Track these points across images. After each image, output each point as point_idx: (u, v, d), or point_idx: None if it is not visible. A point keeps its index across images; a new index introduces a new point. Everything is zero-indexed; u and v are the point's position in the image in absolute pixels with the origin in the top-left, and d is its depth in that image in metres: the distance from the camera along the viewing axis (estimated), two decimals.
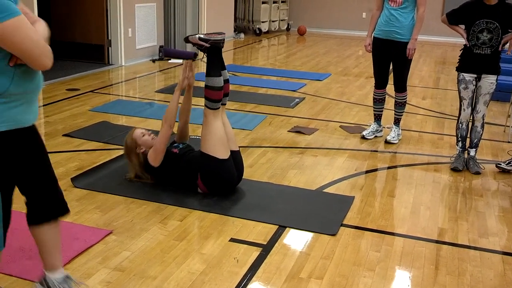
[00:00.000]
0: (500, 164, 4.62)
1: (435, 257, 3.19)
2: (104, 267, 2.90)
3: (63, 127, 5.22)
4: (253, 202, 3.79)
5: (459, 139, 4.67)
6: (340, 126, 5.68)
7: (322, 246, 3.22)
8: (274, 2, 13.38)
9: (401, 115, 5.30)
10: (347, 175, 4.38)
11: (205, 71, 3.87)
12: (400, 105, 5.26)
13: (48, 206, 2.42)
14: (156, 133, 4.00)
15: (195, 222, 3.46)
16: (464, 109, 4.58)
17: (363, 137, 5.30)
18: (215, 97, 3.78)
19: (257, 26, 13.02)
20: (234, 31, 12.56)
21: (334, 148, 5.03)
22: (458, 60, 4.59)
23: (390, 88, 5.40)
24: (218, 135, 3.77)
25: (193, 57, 9.24)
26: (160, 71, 8.39)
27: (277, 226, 3.44)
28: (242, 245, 3.19)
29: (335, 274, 2.94)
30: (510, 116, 5.70)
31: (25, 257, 2.93)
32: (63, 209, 2.48)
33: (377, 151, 5.01)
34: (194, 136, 4.79)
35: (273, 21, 13.52)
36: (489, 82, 4.45)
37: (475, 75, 4.46)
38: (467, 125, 4.65)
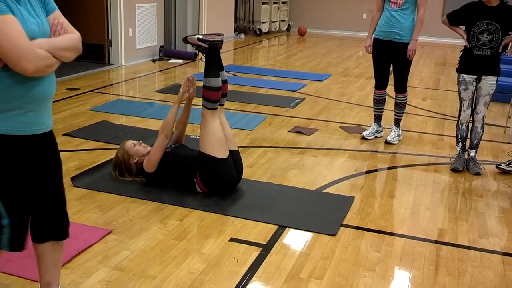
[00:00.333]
0: (500, 165, 4.62)
1: (435, 257, 3.19)
2: (103, 266, 2.90)
3: (63, 127, 5.22)
4: (253, 202, 3.79)
5: (459, 140, 4.67)
6: (340, 127, 5.68)
7: (322, 246, 3.22)
8: (274, 3, 13.38)
9: (401, 116, 5.30)
10: (347, 176, 4.37)
11: (203, 71, 3.88)
12: (400, 106, 5.26)
13: (54, 225, 2.34)
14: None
15: (195, 222, 3.46)
16: (464, 110, 4.58)
17: (363, 138, 5.30)
18: (213, 97, 3.79)
19: (258, 27, 13.02)
20: (235, 31, 12.56)
21: (334, 148, 5.02)
22: (458, 61, 4.59)
23: (390, 88, 5.40)
24: (216, 135, 3.77)
25: (193, 57, 9.26)
26: (160, 71, 8.39)
27: (277, 226, 3.44)
28: (242, 245, 3.19)
29: (335, 274, 2.94)
30: (510, 117, 5.69)
31: (25, 256, 2.92)
32: (66, 232, 2.40)
33: (377, 151, 5.01)
34: (194, 136, 4.79)
35: (273, 22, 13.52)
36: (489, 83, 4.45)
37: (475, 76, 4.46)
38: (467, 126, 4.65)
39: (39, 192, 2.25)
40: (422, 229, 3.54)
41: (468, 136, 4.68)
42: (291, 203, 3.80)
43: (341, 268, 3.01)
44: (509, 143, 5.42)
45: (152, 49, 9.18)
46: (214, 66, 3.82)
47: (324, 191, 4.06)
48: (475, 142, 4.64)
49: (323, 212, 3.68)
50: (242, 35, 12.61)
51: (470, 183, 4.37)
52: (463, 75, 4.50)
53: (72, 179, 3.95)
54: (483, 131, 4.64)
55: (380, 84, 5.27)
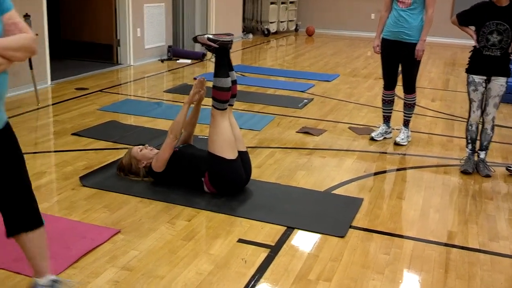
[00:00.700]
0: (511, 167, 4.58)
1: (444, 260, 3.16)
2: (111, 266, 2.89)
3: (72, 126, 5.23)
4: (261, 202, 3.78)
5: (469, 141, 4.63)
6: (349, 127, 5.66)
7: (330, 248, 3.20)
8: (282, 3, 13.36)
9: (410, 117, 5.27)
10: (356, 177, 4.35)
11: (213, 71, 3.87)
12: (409, 107, 5.23)
13: (21, 217, 2.35)
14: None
15: (203, 222, 3.45)
16: (473, 111, 4.54)
17: (372, 139, 5.27)
18: (223, 97, 3.78)
19: (266, 27, 13.00)
20: (243, 31, 12.54)
21: (343, 149, 5.00)
22: (467, 62, 4.56)
23: (399, 89, 5.37)
24: (225, 136, 3.76)
25: (201, 57, 9.25)
26: (169, 71, 8.39)
27: (285, 227, 3.42)
28: (250, 246, 3.18)
29: (344, 276, 2.92)
30: None
31: None
32: (37, 221, 2.40)
33: (386, 152, 4.99)
34: (202, 136, 4.78)
35: (281, 22, 13.50)
36: (499, 84, 4.41)
37: (485, 77, 4.43)
38: (477, 127, 4.61)
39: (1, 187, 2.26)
40: (431, 231, 3.51)
41: (478, 138, 4.65)
42: (299, 204, 3.78)
43: (350, 270, 2.99)
44: None
45: (161, 49, 9.18)
46: (224, 66, 3.81)
47: (332, 192, 4.04)
48: (485, 143, 4.60)
49: (331, 214, 3.66)
50: (250, 35, 12.60)
51: (480, 185, 4.34)
52: (472, 75, 4.47)
53: (81, 178, 3.96)
54: (493, 132, 4.60)
55: (389, 85, 5.25)
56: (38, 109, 5.82)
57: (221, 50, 3.81)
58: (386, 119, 5.35)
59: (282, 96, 6.97)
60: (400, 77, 5.26)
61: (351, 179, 4.31)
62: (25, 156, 4.26)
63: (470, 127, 4.61)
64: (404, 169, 4.62)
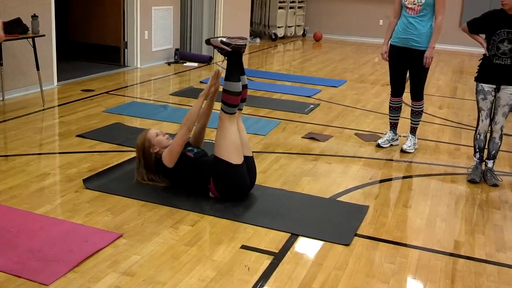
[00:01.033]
0: None
1: (451, 271, 3.11)
2: (113, 271, 2.86)
3: (77, 128, 5.21)
4: (265, 208, 3.74)
5: (477, 150, 4.58)
6: (355, 134, 5.62)
7: (335, 256, 3.16)
8: (290, 8, 13.35)
9: (418, 124, 5.22)
10: (362, 184, 4.31)
11: (224, 75, 3.83)
12: (416, 114, 5.18)
13: None
14: (171, 136, 3.98)
15: (207, 228, 3.41)
16: (482, 120, 4.50)
17: (378, 146, 5.23)
18: (233, 102, 3.74)
19: (273, 31, 12.99)
20: (250, 35, 12.52)
21: (349, 156, 4.96)
22: (477, 70, 4.51)
23: (406, 96, 5.32)
24: (232, 140, 3.73)
25: (208, 60, 9.24)
26: (175, 74, 8.38)
27: (290, 234, 3.38)
28: (253, 252, 3.14)
29: (348, 285, 2.88)
30: None
31: (34, 259, 2.90)
32: None
33: (392, 160, 4.94)
34: (208, 140, 4.75)
35: (289, 27, 13.48)
36: (508, 93, 4.36)
37: (494, 86, 4.38)
38: (485, 136, 4.56)
39: None
40: (437, 240, 3.46)
41: (486, 147, 4.60)
42: (304, 211, 3.74)
43: (355, 279, 2.94)
44: None
45: (168, 52, 9.17)
46: (235, 70, 3.78)
47: (337, 199, 4.00)
48: (493, 152, 4.55)
49: (336, 221, 3.61)
50: (258, 40, 12.58)
51: (487, 195, 4.29)
52: (481, 84, 4.42)
53: (84, 181, 3.93)
54: (501, 141, 4.55)
55: (396, 92, 5.20)
56: (43, 110, 5.81)
57: (234, 54, 3.77)
58: (393, 126, 5.30)
59: (289, 101, 6.93)
60: (407, 84, 5.22)
61: (357, 186, 4.27)
62: (29, 157, 4.28)
63: (478, 136, 4.56)
64: (411, 177, 4.57)
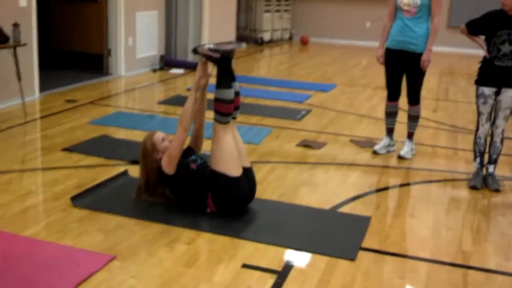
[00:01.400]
0: None
1: (462, 284, 2.97)
2: None
3: (62, 141, 4.99)
4: (264, 223, 3.57)
5: (477, 155, 4.45)
6: (350, 140, 5.47)
7: (341, 272, 3.00)
8: (276, 11, 13.21)
9: (415, 129, 5.09)
10: (362, 193, 4.16)
11: (215, 82, 3.65)
12: (413, 119, 5.04)
13: None
14: None
15: (205, 246, 3.23)
16: (482, 124, 4.37)
17: (375, 152, 5.08)
18: (226, 110, 3.56)
19: (260, 36, 12.84)
20: (236, 40, 12.35)
21: (346, 163, 4.81)
22: (477, 73, 4.39)
23: (401, 101, 5.19)
24: (229, 151, 3.55)
25: (194, 67, 9.04)
26: (161, 81, 8.18)
27: (292, 250, 3.21)
28: (255, 271, 2.96)
29: None
30: None
31: (23, 287, 2.69)
32: None
33: (390, 167, 4.80)
34: (204, 152, 4.56)
35: (275, 31, 13.34)
36: (509, 96, 4.24)
37: (495, 89, 4.26)
38: (485, 140, 4.44)
39: None
40: (445, 252, 3.32)
41: (486, 151, 4.47)
42: (304, 224, 3.57)
43: None
44: None
45: (153, 59, 8.96)
46: (226, 77, 3.60)
47: (338, 210, 3.84)
48: (494, 157, 4.43)
49: (339, 234, 3.45)
50: (244, 44, 12.41)
51: (490, 200, 4.16)
52: (482, 87, 4.30)
53: (72, 198, 3.72)
54: (502, 145, 4.43)
55: (393, 95, 5.06)
56: (25, 123, 5.58)
57: (223, 59, 3.60)
58: (390, 132, 5.16)
59: (279, 107, 6.77)
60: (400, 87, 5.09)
61: (357, 195, 4.11)
62: (12, 174, 4.05)
63: (478, 139, 4.43)
64: (411, 184, 4.43)
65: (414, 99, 4.98)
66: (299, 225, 3.55)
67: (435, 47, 4.94)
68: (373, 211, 3.84)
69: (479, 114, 4.38)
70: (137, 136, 5.27)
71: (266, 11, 12.87)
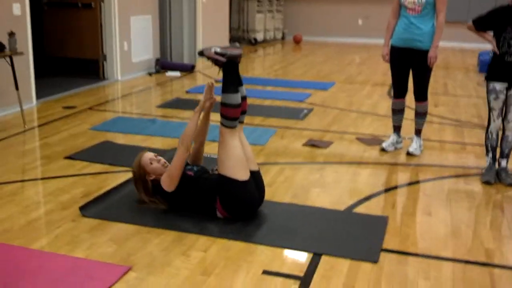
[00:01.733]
0: None
1: (489, 282, 2.89)
2: None
3: (64, 149, 4.87)
4: (279, 226, 3.47)
5: (489, 149, 4.38)
6: (357, 138, 5.39)
7: (366, 276, 2.91)
8: (268, 11, 13.13)
9: (422, 126, 5.02)
10: (375, 192, 4.07)
11: (221, 87, 3.55)
12: (421, 115, 4.97)
13: None
14: (161, 152, 3.68)
15: (221, 253, 3.13)
16: (494, 120, 4.30)
17: (382, 150, 5.00)
18: (232, 115, 3.47)
19: (253, 36, 12.75)
20: (229, 41, 12.26)
21: (355, 162, 4.73)
22: (487, 69, 4.32)
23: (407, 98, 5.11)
24: (236, 156, 3.45)
25: (190, 69, 8.95)
26: (158, 84, 8.06)
27: (312, 254, 3.12)
28: (277, 278, 2.87)
29: None
30: None
31: None
32: None
33: (400, 164, 4.72)
34: (207, 154, 4.47)
35: (268, 30, 13.26)
36: None
37: (507, 84, 4.19)
38: (497, 135, 4.37)
39: None
40: (468, 250, 3.24)
41: (498, 145, 4.41)
42: (321, 227, 3.48)
43: None
44: None
45: (148, 62, 8.85)
46: (233, 81, 3.51)
47: (353, 211, 3.75)
48: (506, 151, 4.36)
49: (358, 236, 3.36)
50: (237, 44, 12.28)
51: (504, 195, 4.09)
52: (493, 83, 4.22)
53: (81, 208, 3.61)
54: None
55: (399, 93, 4.98)
56: (24, 131, 5.45)
57: (230, 64, 3.50)
58: (397, 129, 5.08)
59: (281, 107, 6.68)
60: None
61: (370, 195, 4.03)
62: (15, 185, 3.94)
63: (490, 135, 4.36)
64: (424, 181, 4.35)
65: (421, 95, 4.91)
66: (316, 228, 3.46)
67: None
68: (389, 211, 3.76)
69: (490, 109, 4.31)
70: (140, 141, 5.17)
71: (258, 11, 12.79)
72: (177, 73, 8.76)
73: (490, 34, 4.29)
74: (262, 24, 12.99)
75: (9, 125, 5.63)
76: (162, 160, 3.68)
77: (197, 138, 3.75)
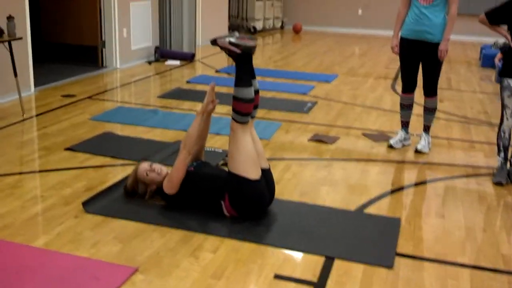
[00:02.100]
0: None
1: None
2: None
3: (64, 140, 4.74)
4: (290, 227, 3.36)
5: (501, 149, 4.28)
6: (363, 134, 5.28)
7: (381, 282, 2.81)
8: (268, 0, 12.95)
9: (431, 122, 4.91)
10: (385, 192, 3.97)
11: (233, 79, 3.43)
12: (430, 111, 4.87)
13: None
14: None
15: (231, 254, 3.02)
16: (507, 118, 4.19)
17: (390, 147, 4.90)
18: (245, 110, 3.35)
19: (252, 24, 12.57)
20: (228, 29, 12.08)
21: (362, 159, 4.62)
22: (501, 64, 4.21)
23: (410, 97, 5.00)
24: (248, 153, 3.34)
25: (190, 58, 8.79)
26: (158, 74, 7.91)
27: (324, 257, 3.02)
28: (290, 283, 2.77)
29: None
30: None
31: None
32: None
33: (409, 161, 4.62)
34: (210, 148, 4.36)
35: (267, 19, 13.09)
36: None
37: None
38: (510, 134, 4.27)
39: None
40: (484, 256, 3.14)
41: (511, 144, 4.31)
42: (332, 228, 3.38)
43: None
44: None
45: (148, 50, 8.69)
46: (246, 74, 3.39)
47: (364, 211, 3.65)
48: None
49: (370, 238, 3.26)
50: (236, 33, 12.12)
51: None
52: (508, 80, 4.12)
53: (84, 204, 3.48)
54: None
55: (408, 87, 4.87)
56: (23, 120, 5.30)
57: (244, 56, 3.37)
58: (405, 125, 4.98)
59: (285, 99, 6.55)
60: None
61: (380, 195, 3.92)
62: (16, 177, 3.80)
63: (502, 133, 4.26)
64: (434, 180, 4.25)
65: (430, 90, 4.80)
66: (327, 229, 3.35)
67: None
68: (400, 211, 3.66)
69: (503, 107, 4.21)
70: (142, 132, 5.05)
71: None
72: (176, 62, 8.60)
73: (504, 28, 4.18)
74: (262, 12, 12.81)
75: (7, 113, 5.48)
76: (157, 167, 3.56)
77: (197, 141, 3.59)
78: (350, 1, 13.50)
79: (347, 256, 3.04)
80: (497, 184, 4.18)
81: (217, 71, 8.13)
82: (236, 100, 3.36)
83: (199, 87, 6.97)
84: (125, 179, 3.84)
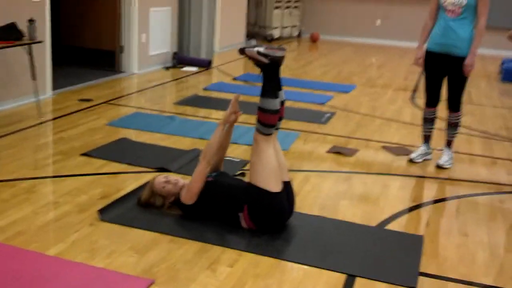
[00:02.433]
0: None
1: None
2: None
3: (81, 145, 4.69)
4: (309, 241, 3.28)
5: None
6: (383, 147, 5.18)
7: None
8: (286, 8, 12.90)
9: (454, 137, 4.81)
10: (406, 208, 3.88)
11: (260, 90, 3.35)
12: (453, 126, 4.76)
13: None
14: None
15: (249, 269, 2.94)
16: None
17: (411, 161, 4.80)
18: (270, 121, 3.28)
19: (269, 32, 12.52)
20: (246, 36, 12.05)
21: (383, 173, 4.52)
22: None
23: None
24: (270, 165, 3.26)
25: (207, 65, 8.75)
26: (175, 80, 7.86)
27: (345, 275, 2.93)
28: None
29: None
30: None
31: None
32: None
33: (431, 177, 4.51)
34: (227, 157, 4.28)
35: (284, 28, 13.03)
36: None
37: None
38: None
39: None
40: (510, 278, 3.04)
41: None
42: (353, 244, 3.29)
43: None
44: None
45: (165, 56, 8.65)
46: (273, 85, 3.31)
47: (386, 228, 3.55)
48: None
49: (392, 256, 3.17)
50: (254, 41, 12.08)
51: None
52: None
53: (100, 212, 3.42)
54: None
55: (432, 101, 4.78)
56: (40, 124, 5.27)
57: (271, 66, 3.30)
58: (427, 139, 4.88)
59: (302, 109, 6.47)
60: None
61: (402, 210, 3.83)
62: (31, 182, 3.76)
63: None
64: (456, 197, 4.15)
65: (455, 105, 4.70)
66: (348, 245, 3.26)
67: None
68: (422, 229, 3.56)
69: None
70: (159, 139, 4.99)
71: (276, 7, 12.56)
72: (193, 68, 8.56)
73: None
74: (279, 20, 12.76)
75: (24, 116, 5.45)
76: (173, 178, 3.52)
77: (218, 152, 3.54)
78: (369, 12, 13.41)
79: (368, 274, 2.95)
80: None
81: (234, 79, 8.08)
82: (261, 111, 3.29)
83: (216, 95, 6.92)
84: (141, 187, 3.78)
